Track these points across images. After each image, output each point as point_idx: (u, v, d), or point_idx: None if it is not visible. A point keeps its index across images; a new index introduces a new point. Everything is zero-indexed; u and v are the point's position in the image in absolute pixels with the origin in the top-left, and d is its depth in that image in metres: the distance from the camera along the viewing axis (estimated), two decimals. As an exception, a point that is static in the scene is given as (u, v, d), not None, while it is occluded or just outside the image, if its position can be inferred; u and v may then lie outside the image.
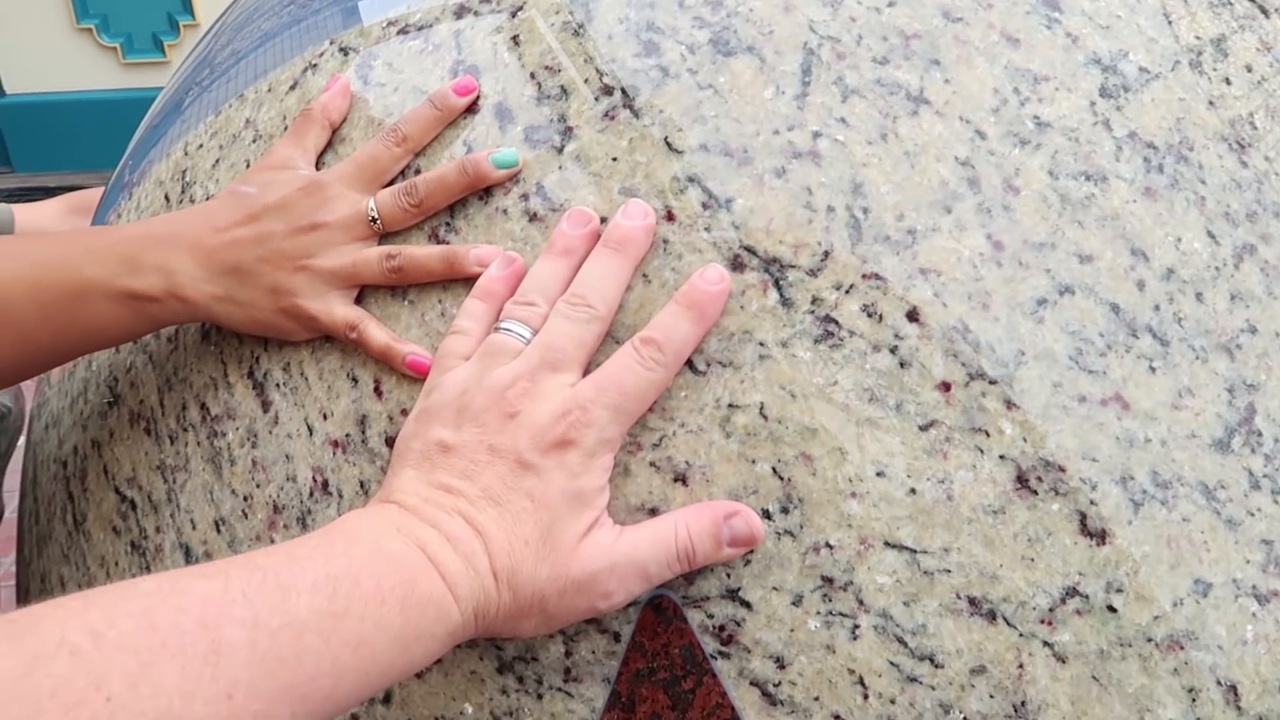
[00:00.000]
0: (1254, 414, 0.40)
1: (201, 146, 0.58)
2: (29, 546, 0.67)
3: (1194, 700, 0.39)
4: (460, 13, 0.51)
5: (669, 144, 0.44)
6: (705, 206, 0.43)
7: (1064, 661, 0.39)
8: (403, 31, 0.52)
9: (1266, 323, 0.41)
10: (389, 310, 0.47)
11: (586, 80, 0.46)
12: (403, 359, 0.44)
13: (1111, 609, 0.39)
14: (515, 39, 0.48)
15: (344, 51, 0.53)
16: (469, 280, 0.44)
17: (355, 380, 0.46)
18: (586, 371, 0.41)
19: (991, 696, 0.39)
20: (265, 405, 0.49)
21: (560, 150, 0.45)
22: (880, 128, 0.43)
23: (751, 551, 0.40)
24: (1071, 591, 0.39)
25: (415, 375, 0.44)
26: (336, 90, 0.50)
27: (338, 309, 0.46)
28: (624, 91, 0.45)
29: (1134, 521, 0.39)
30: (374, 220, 0.46)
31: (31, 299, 0.48)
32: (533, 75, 0.47)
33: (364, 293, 0.47)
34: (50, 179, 3.19)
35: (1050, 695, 0.39)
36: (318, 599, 0.32)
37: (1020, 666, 0.39)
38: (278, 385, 0.49)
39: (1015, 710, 0.39)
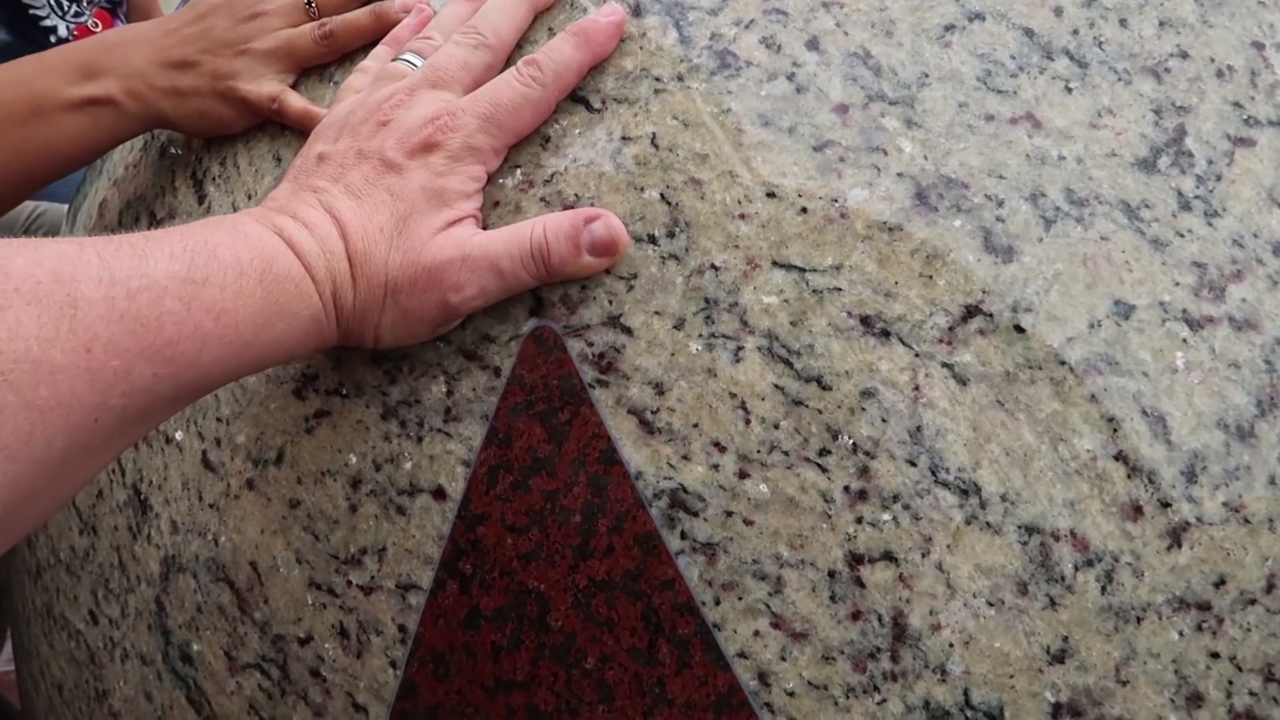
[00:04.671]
0: (1184, 135, 0.37)
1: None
2: None
3: (1115, 430, 0.35)
4: None
5: (586, -84, 0.44)
6: (614, -36, 0.43)
7: (965, 384, 0.35)
8: None
9: (1200, 49, 0.38)
10: (316, 92, 0.47)
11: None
12: (319, 120, 0.44)
13: (1019, 329, 0.35)
14: None
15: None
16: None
17: (279, 160, 0.47)
18: None
19: (884, 420, 0.35)
20: (201, 199, 0.50)
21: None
22: (792, -116, 0.43)
23: (635, 277, 0.38)
24: (973, 310, 0.36)
25: None
26: None
27: (266, 86, 0.47)
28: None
29: (1045, 239, 0.36)
30: (310, 4, 0.48)
31: None
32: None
33: (296, 82, 0.48)
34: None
35: (949, 419, 0.35)
36: (175, 265, 0.32)
37: (916, 389, 0.35)
38: (214, 179, 0.50)
39: (910, 435, 0.35)
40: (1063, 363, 0.35)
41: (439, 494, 0.39)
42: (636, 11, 0.41)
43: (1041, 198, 0.36)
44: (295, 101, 0.45)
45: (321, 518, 0.41)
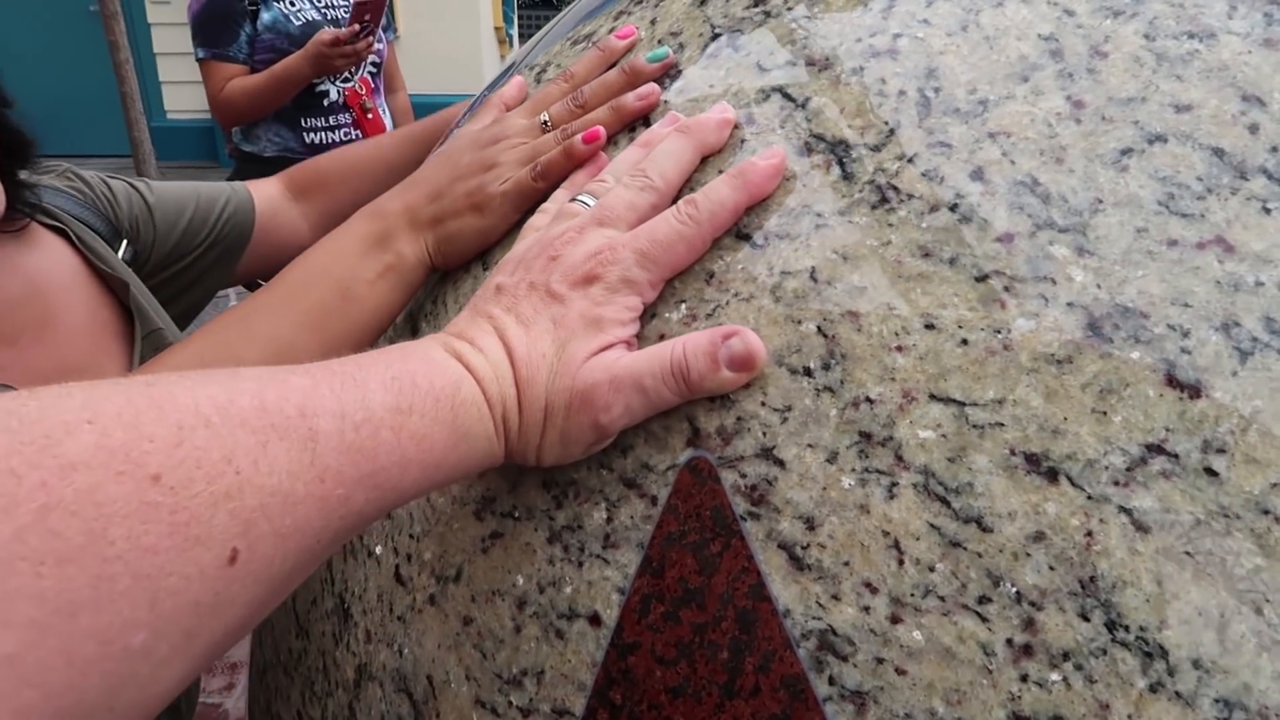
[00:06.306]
0: None
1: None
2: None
3: (1336, 594, 0.30)
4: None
5: (759, 65, 0.47)
6: (783, 109, 0.44)
7: (1146, 531, 0.32)
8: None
9: None
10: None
11: (699, 34, 0.51)
12: (579, 139, 0.49)
13: (1210, 471, 0.32)
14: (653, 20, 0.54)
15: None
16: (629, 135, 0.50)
17: (479, 298, 0.51)
18: None
19: (1052, 568, 0.32)
20: (414, 331, 0.55)
21: (666, 88, 0.50)
22: (962, 21, 0.43)
23: (789, 409, 0.38)
24: (1155, 450, 0.32)
25: (593, 144, 0.49)
26: (514, 84, 0.59)
27: (517, 174, 0.51)
28: (726, 33, 0.49)
29: (1240, 373, 0.32)
30: (545, 123, 0.53)
31: (308, 328, 0.53)
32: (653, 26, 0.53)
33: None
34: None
35: (1128, 571, 0.32)
36: (388, 397, 0.35)
37: (1089, 534, 0.32)
38: (426, 316, 0.55)
39: (1083, 586, 0.32)
40: (1266, 512, 0.31)
41: (595, 620, 0.40)
42: (803, 150, 0.42)
43: (1236, 327, 0.33)
44: (554, 154, 0.49)
45: (490, 636, 0.43)
